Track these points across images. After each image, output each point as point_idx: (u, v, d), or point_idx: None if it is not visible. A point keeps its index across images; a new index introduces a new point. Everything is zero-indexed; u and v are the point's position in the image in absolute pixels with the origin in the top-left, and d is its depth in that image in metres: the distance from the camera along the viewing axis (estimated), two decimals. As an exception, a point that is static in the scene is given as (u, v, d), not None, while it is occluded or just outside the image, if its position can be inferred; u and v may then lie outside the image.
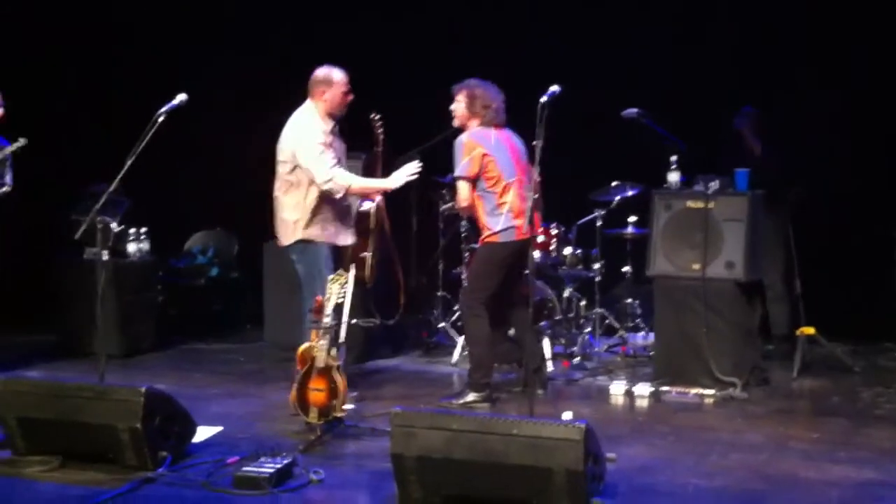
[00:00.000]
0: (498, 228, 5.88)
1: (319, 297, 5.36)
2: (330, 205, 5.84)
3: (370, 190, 6.00)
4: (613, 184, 7.26)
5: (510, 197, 5.88)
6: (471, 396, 5.91)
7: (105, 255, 7.01)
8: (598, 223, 7.29)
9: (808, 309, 6.95)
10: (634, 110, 6.66)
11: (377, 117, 6.13)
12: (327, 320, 5.26)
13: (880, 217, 7.25)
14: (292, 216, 5.82)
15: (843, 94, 7.56)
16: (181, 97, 5.38)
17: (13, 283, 7.37)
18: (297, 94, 5.96)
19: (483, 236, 6.00)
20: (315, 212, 5.80)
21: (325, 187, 5.72)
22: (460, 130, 5.99)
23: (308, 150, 5.73)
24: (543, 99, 4.88)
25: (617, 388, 6.39)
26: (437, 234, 7.56)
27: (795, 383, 6.63)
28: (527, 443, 4.06)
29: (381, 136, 6.13)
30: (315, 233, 5.84)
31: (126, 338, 7.18)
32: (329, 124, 5.89)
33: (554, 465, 3.99)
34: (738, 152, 7.14)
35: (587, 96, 6.98)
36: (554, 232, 7.14)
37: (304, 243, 5.83)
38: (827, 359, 6.99)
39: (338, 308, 5.33)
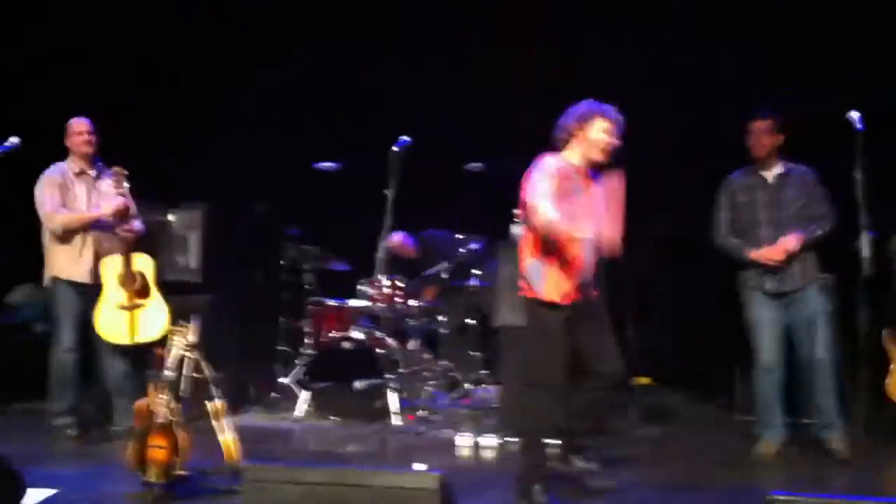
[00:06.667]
0: None
1: (160, 350, 5.17)
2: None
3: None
4: (458, 237, 7.34)
5: None
6: None
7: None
8: (444, 276, 7.34)
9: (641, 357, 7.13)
10: (478, 164, 6.77)
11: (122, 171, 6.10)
12: (168, 373, 5.08)
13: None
14: None
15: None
16: (14, 140, 5.15)
17: None
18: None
19: None
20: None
21: None
22: None
23: None
24: (395, 148, 4.87)
25: (463, 440, 6.40)
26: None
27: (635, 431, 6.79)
28: (383, 492, 4.01)
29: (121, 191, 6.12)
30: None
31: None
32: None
33: (411, 515, 3.95)
34: None
35: (431, 149, 7.04)
36: (400, 285, 7.14)
37: None
38: (663, 407, 7.20)
39: (179, 361, 5.15)
